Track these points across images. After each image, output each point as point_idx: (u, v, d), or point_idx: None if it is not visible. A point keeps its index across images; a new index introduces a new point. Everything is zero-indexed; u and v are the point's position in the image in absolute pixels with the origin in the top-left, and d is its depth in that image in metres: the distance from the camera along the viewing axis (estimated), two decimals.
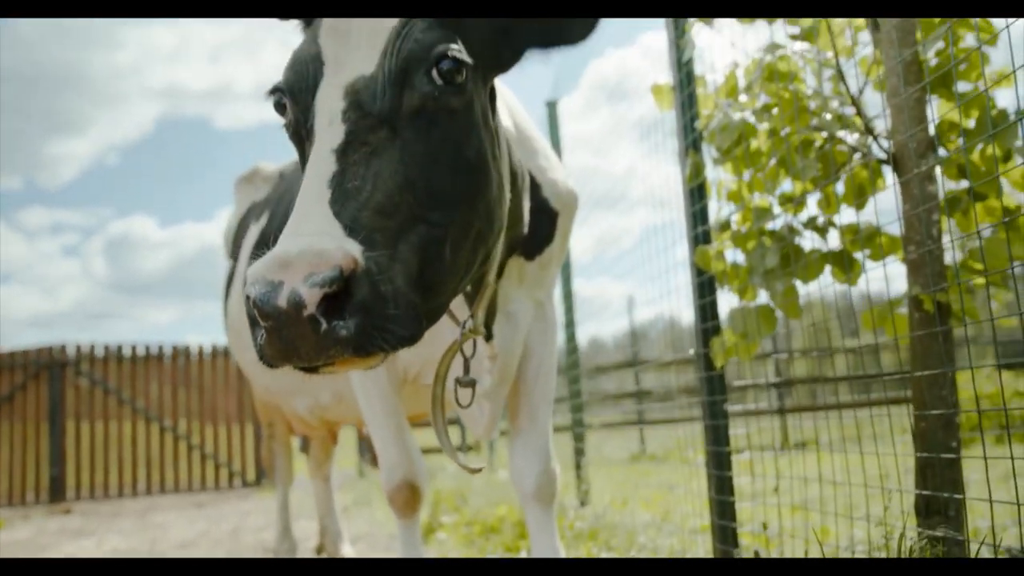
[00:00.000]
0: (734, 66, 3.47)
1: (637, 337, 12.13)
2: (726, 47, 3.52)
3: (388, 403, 2.96)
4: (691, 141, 3.56)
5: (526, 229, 2.51)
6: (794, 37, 3.17)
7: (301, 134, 1.74)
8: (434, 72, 1.67)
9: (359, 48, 1.68)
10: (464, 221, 1.71)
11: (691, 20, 3.51)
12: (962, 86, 3.08)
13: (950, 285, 2.69)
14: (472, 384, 2.34)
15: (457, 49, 1.69)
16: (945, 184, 3.03)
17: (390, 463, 3.00)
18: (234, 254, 4.29)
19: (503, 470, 9.28)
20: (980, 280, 2.82)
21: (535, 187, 2.72)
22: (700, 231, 3.50)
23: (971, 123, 3.04)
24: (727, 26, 3.37)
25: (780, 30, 3.24)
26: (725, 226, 3.33)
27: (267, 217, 3.77)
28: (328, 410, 3.90)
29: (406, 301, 1.46)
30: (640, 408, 12.25)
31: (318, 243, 1.37)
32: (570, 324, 6.89)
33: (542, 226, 2.74)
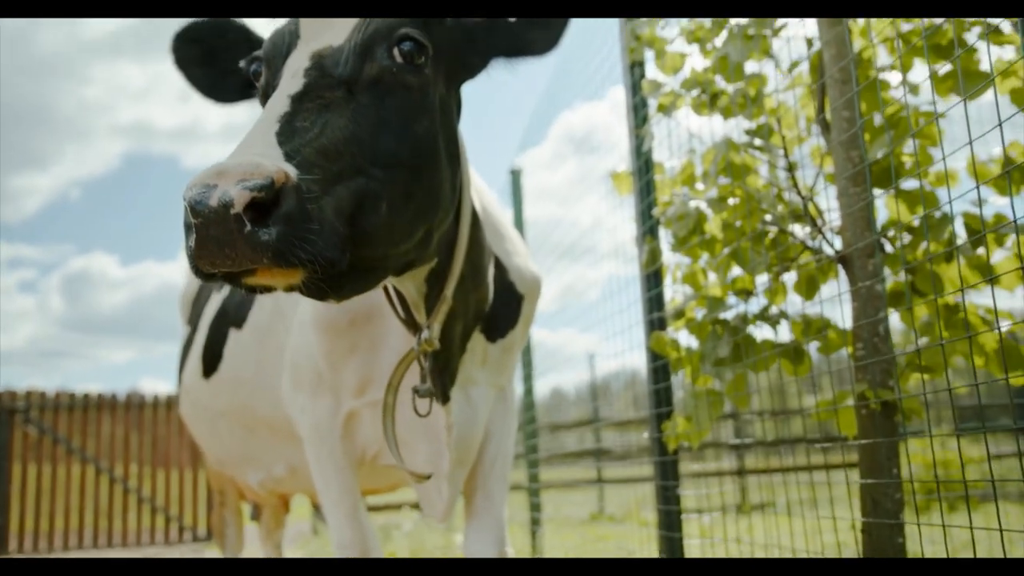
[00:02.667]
0: (691, 153, 3.57)
1: (598, 394, 12.15)
2: (684, 133, 3.62)
3: (345, 481, 2.94)
4: (648, 227, 3.63)
5: (491, 297, 2.60)
6: (749, 132, 3.27)
7: (269, 95, 1.86)
8: (395, 50, 1.83)
9: (332, 26, 1.85)
10: (404, 186, 1.79)
11: (651, 110, 3.61)
12: (909, 184, 3.21)
13: (896, 382, 2.77)
14: (430, 394, 2.37)
15: (418, 33, 1.86)
16: (890, 278, 3.14)
17: (343, 542, 2.97)
18: (192, 321, 4.25)
19: (459, 533, 9.19)
20: (924, 376, 2.90)
21: (501, 270, 2.77)
22: (655, 316, 3.57)
23: (916, 220, 3.16)
24: (686, 117, 3.47)
25: (735, 124, 3.34)
26: (680, 314, 3.39)
27: (229, 287, 3.77)
28: (281, 483, 3.86)
29: (331, 225, 1.53)
30: (599, 466, 12.23)
31: (256, 159, 1.46)
32: (528, 378, 6.91)
33: (507, 309, 2.80)
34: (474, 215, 2.40)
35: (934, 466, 2.23)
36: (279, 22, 2.17)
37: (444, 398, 2.53)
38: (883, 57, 3.34)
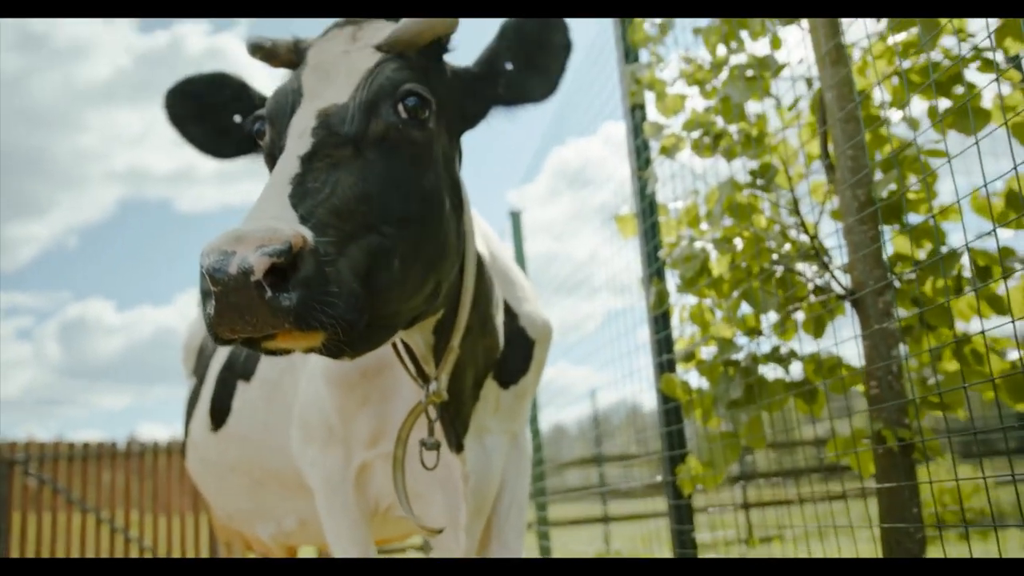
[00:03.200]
0: (695, 194, 3.57)
1: (601, 429, 12.05)
2: (687, 175, 3.63)
3: (357, 533, 2.90)
4: (655, 269, 3.63)
5: (501, 343, 2.58)
6: (753, 173, 3.28)
7: (274, 153, 1.86)
8: (400, 106, 1.84)
9: (334, 84, 1.86)
10: (414, 241, 1.80)
11: (653, 152, 3.63)
12: (915, 219, 3.22)
13: (911, 421, 2.75)
14: (437, 447, 2.34)
15: (422, 88, 1.87)
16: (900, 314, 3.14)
17: None
18: (198, 372, 4.21)
19: None
20: (939, 412, 2.89)
21: (512, 316, 2.76)
22: (665, 359, 3.55)
23: (922, 254, 3.16)
24: (689, 159, 3.49)
25: (739, 165, 3.35)
26: (690, 356, 3.38)
27: None
28: (292, 536, 3.81)
29: (349, 288, 1.53)
30: (605, 504, 12.10)
31: (273, 223, 1.46)
32: (533, 419, 6.87)
33: (518, 355, 2.78)
34: (479, 263, 2.40)
35: (961, 510, 2.20)
36: (280, 73, 2.18)
37: (458, 447, 2.51)
38: (881, 93, 3.36)
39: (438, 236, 1.94)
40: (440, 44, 2.08)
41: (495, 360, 2.63)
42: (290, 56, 2.11)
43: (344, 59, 1.96)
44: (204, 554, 13.89)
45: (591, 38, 4.76)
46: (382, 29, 2.06)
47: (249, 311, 1.43)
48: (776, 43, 3.32)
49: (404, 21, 1.97)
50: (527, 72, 2.14)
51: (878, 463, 2.78)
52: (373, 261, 1.65)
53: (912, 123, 3.10)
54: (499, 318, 2.59)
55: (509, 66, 2.16)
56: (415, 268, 1.83)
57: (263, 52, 2.14)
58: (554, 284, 6.51)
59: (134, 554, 13.59)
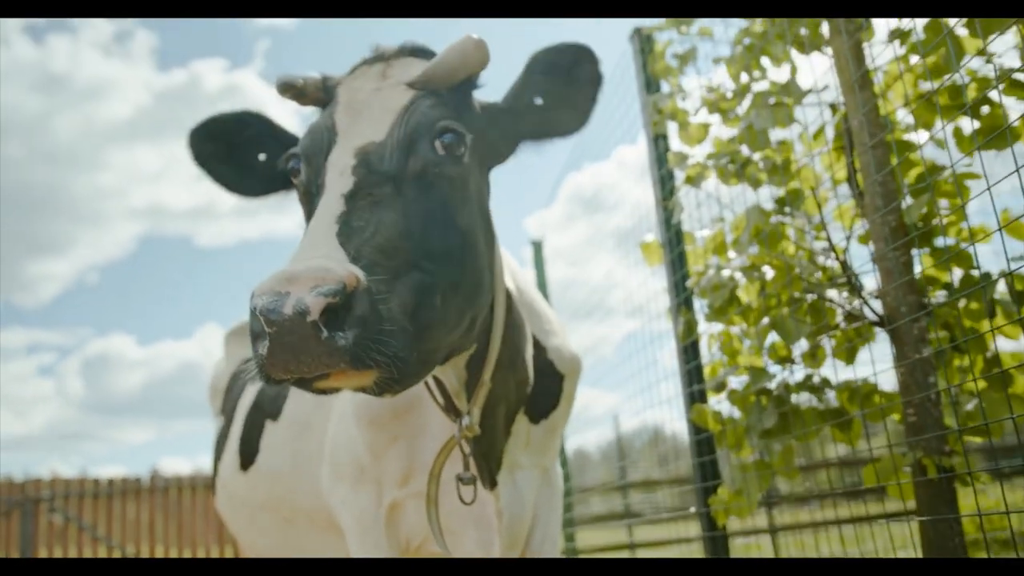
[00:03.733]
0: (721, 221, 3.55)
1: (625, 454, 11.94)
2: (712, 202, 3.61)
3: None
4: (682, 299, 3.61)
5: (531, 378, 2.56)
6: (779, 200, 3.26)
7: (311, 191, 1.88)
8: (437, 142, 1.85)
9: (369, 121, 1.87)
10: (453, 276, 1.80)
11: (678, 181, 3.62)
12: (944, 241, 3.18)
13: (952, 448, 2.70)
14: (473, 481, 2.32)
15: (458, 124, 1.89)
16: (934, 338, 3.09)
17: None
18: (226, 411, 4.21)
19: None
20: (980, 438, 2.84)
21: (540, 349, 2.75)
22: (695, 389, 3.51)
23: (953, 276, 3.12)
24: (715, 188, 3.47)
25: (764, 192, 3.33)
26: (721, 386, 3.34)
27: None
28: None
29: (401, 325, 1.54)
30: (631, 531, 11.97)
31: (325, 263, 1.46)
32: (559, 447, 6.81)
33: (548, 389, 2.76)
34: (508, 297, 2.39)
35: (1013, 543, 2.15)
36: (306, 110, 2.18)
37: (491, 483, 2.49)
38: (903, 115, 3.34)
39: (475, 271, 1.94)
40: (471, 80, 2.08)
41: (526, 395, 2.62)
42: (318, 94, 2.12)
43: (376, 96, 1.97)
44: None
45: (609, 66, 4.79)
46: (411, 66, 2.07)
47: (304, 351, 1.42)
48: (780, 60, 3.30)
49: (437, 59, 1.98)
50: (557, 106, 2.15)
51: (918, 492, 2.73)
52: (418, 298, 1.65)
53: (939, 143, 3.08)
54: (528, 352, 2.58)
55: (538, 101, 2.16)
56: (455, 303, 1.84)
57: (293, 91, 2.14)
58: (572, 308, 6.50)
59: None
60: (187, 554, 13.77)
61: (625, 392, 4.49)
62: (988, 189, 2.08)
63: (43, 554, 12.96)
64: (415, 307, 1.63)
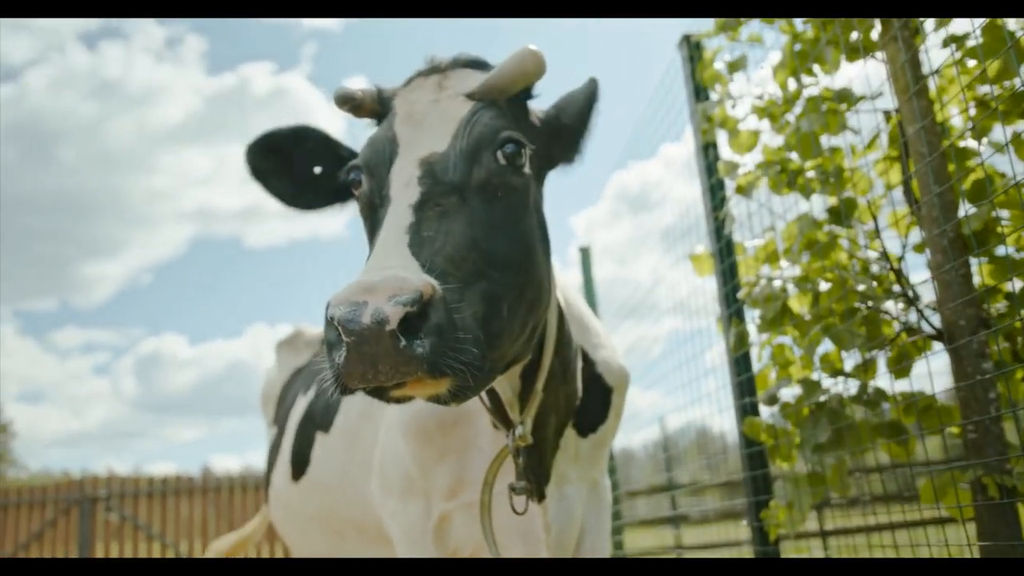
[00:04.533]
0: (771, 230, 3.50)
1: (671, 455, 11.84)
2: (763, 212, 3.56)
3: None
4: (734, 310, 3.56)
5: (580, 390, 2.56)
6: (831, 210, 3.20)
7: (374, 202, 1.90)
8: (499, 153, 1.87)
9: (430, 132, 1.89)
10: (518, 285, 1.82)
11: (728, 191, 3.57)
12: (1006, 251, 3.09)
13: (1013, 465, 2.63)
14: (526, 491, 2.32)
15: (520, 135, 1.91)
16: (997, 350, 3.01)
17: None
18: (278, 420, 4.27)
19: None
20: None
21: (588, 362, 2.74)
22: (747, 401, 3.47)
23: (1013, 286, 3.03)
24: (767, 198, 3.42)
25: (816, 201, 3.28)
26: (773, 399, 3.30)
27: (314, 390, 3.79)
28: None
29: (475, 333, 1.56)
30: (678, 530, 11.90)
31: (401, 272, 1.48)
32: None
33: (596, 402, 2.75)
34: (559, 308, 2.39)
35: None
36: (360, 121, 2.20)
37: (540, 496, 2.49)
38: (960, 121, 3.26)
39: (537, 279, 1.96)
40: (527, 91, 2.11)
41: (575, 408, 2.61)
42: (374, 106, 2.14)
43: (435, 108, 1.98)
44: None
45: (658, 73, 4.74)
46: (467, 77, 2.09)
47: (382, 360, 1.43)
48: (832, 65, 3.22)
49: (496, 70, 1.99)
50: (575, 134, 2.18)
51: (978, 513, 2.66)
52: (487, 307, 1.67)
53: (999, 148, 3.00)
54: (578, 364, 2.58)
55: (577, 124, 2.19)
56: (520, 312, 1.86)
57: (351, 104, 2.16)
58: (616, 307, 6.46)
59: None
60: (238, 551, 14.00)
61: (671, 391, 4.44)
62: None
63: (100, 551, 13.28)
64: (485, 316, 1.65)
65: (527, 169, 1.95)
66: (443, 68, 2.14)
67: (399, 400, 1.59)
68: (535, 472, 2.44)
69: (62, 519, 13.33)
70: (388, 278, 1.46)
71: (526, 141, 1.93)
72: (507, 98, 2.03)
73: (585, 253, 6.67)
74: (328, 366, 1.52)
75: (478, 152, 1.86)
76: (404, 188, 1.79)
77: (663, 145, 5.12)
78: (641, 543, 11.39)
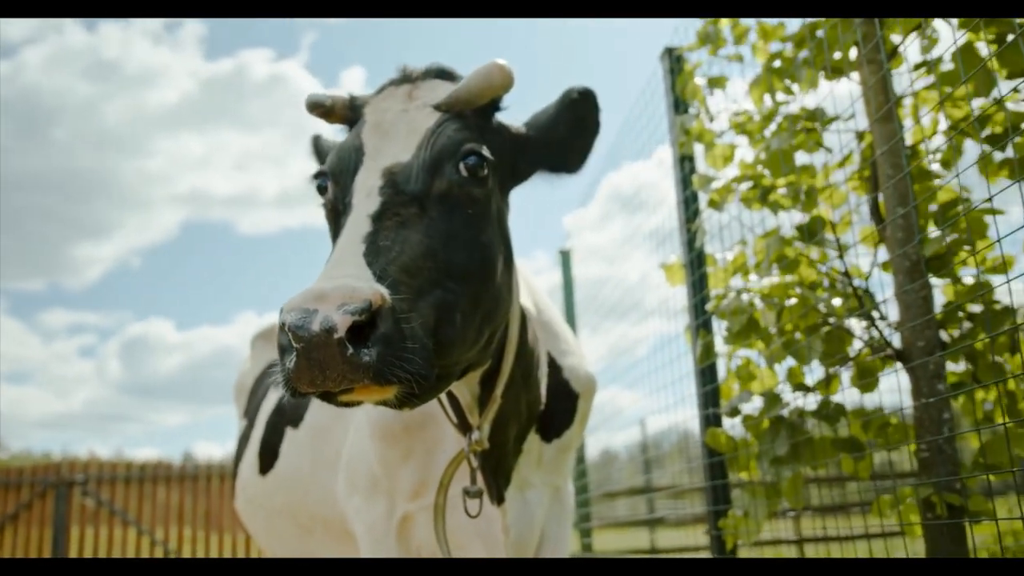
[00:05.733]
0: (743, 244, 3.55)
1: (650, 456, 11.86)
2: (735, 225, 3.61)
3: None
4: (701, 321, 3.61)
5: (543, 397, 2.60)
6: (800, 228, 3.25)
7: (338, 209, 1.95)
8: (461, 165, 1.90)
9: (396, 141, 1.93)
10: (474, 295, 1.86)
11: (702, 204, 3.62)
12: (967, 273, 3.15)
13: (962, 486, 2.69)
14: (480, 494, 2.37)
15: (483, 148, 1.94)
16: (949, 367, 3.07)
17: None
18: (248, 414, 4.29)
19: None
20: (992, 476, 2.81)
21: (556, 368, 2.78)
22: (711, 412, 3.52)
23: (976, 308, 3.09)
24: (739, 212, 3.46)
25: (787, 217, 3.33)
26: (735, 411, 3.35)
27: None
28: None
29: (422, 343, 1.59)
30: (652, 534, 11.94)
31: (352, 282, 1.52)
32: (579, 447, 6.84)
33: (562, 408, 2.79)
34: (522, 315, 2.43)
35: None
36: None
37: (499, 499, 2.53)
38: (932, 144, 3.31)
39: (494, 290, 2.00)
40: (495, 103, 2.14)
41: (537, 414, 2.65)
42: (346, 112, 2.18)
43: (403, 117, 2.02)
44: None
45: (639, 85, 4.78)
46: (437, 88, 2.12)
47: (330, 367, 1.47)
48: (808, 84, 3.27)
49: (463, 82, 2.03)
50: (570, 144, 2.23)
51: (926, 530, 2.72)
52: (439, 316, 1.71)
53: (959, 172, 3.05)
54: (542, 371, 2.62)
55: (559, 135, 2.22)
56: (474, 321, 1.89)
57: (321, 110, 2.20)
58: (605, 308, 6.50)
59: None
60: (214, 538, 13.99)
61: (655, 394, 4.46)
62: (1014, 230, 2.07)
63: (75, 535, 13.24)
64: (436, 325, 1.69)
65: (489, 182, 1.98)
66: (414, 78, 2.17)
67: (347, 404, 1.63)
68: (494, 475, 2.48)
69: (38, 502, 13.28)
70: (338, 287, 1.49)
71: (488, 154, 1.96)
72: (474, 110, 2.07)
73: (565, 256, 6.72)
74: (280, 369, 1.55)
75: (440, 163, 1.90)
76: (365, 198, 1.83)
77: (651, 149, 5.14)
78: (616, 544, 11.43)
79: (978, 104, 3.02)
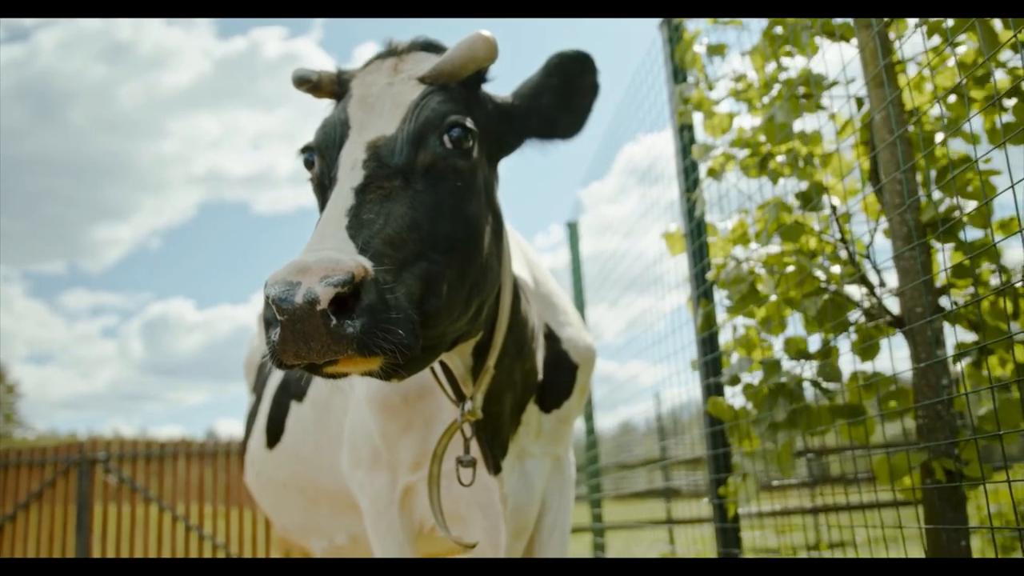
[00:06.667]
0: (743, 213, 3.53)
1: (666, 431, 11.87)
2: (735, 193, 3.59)
3: (403, 553, 2.97)
4: (702, 291, 3.60)
5: (540, 367, 2.61)
6: (800, 195, 3.23)
7: (324, 183, 1.96)
8: (445, 137, 1.91)
9: (381, 115, 1.94)
10: (460, 266, 1.88)
11: (702, 173, 3.60)
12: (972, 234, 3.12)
13: (961, 451, 2.69)
14: (473, 464, 2.40)
15: (466, 120, 1.94)
16: (957, 334, 3.05)
17: None
18: (257, 390, 4.34)
19: None
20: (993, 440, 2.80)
21: (554, 339, 2.79)
22: (712, 381, 3.52)
23: (979, 273, 3.07)
24: (737, 179, 3.45)
25: (786, 184, 3.31)
26: (735, 380, 3.34)
27: None
28: (343, 551, 3.90)
29: (406, 314, 1.61)
30: (669, 504, 11.99)
31: (334, 254, 1.53)
32: (589, 417, 6.88)
33: (561, 379, 2.81)
34: (515, 287, 2.44)
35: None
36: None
37: (495, 469, 2.56)
38: (940, 109, 3.27)
39: (481, 261, 2.02)
40: (480, 75, 2.14)
41: (535, 385, 2.67)
42: (333, 87, 2.19)
43: (388, 91, 2.02)
44: (274, 549, 14.22)
45: (639, 54, 4.74)
46: (423, 60, 2.13)
47: (314, 338, 1.49)
48: (809, 49, 3.23)
49: (446, 54, 2.03)
50: (559, 110, 2.22)
51: (925, 495, 2.72)
52: (425, 287, 1.73)
53: (967, 138, 3.02)
54: (537, 342, 2.63)
55: (544, 101, 2.22)
56: (461, 292, 1.91)
57: (309, 85, 2.22)
58: (624, 282, 6.46)
59: (208, 550, 14.00)
60: (234, 513, 14.15)
61: (659, 364, 4.44)
62: (1011, 187, 2.05)
63: (98, 512, 13.44)
64: (421, 296, 1.71)
65: (475, 153, 1.99)
66: (400, 51, 2.17)
67: (333, 376, 1.66)
68: (490, 445, 2.51)
69: (61, 480, 13.48)
70: (321, 259, 1.51)
71: (473, 126, 1.96)
72: (459, 82, 2.07)
73: (572, 229, 6.71)
74: (265, 342, 1.57)
75: (424, 136, 1.91)
76: (350, 171, 1.84)
77: (653, 120, 5.08)
78: (632, 516, 11.49)
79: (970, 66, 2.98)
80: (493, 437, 2.52)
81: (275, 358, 1.57)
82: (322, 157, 2.00)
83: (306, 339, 1.49)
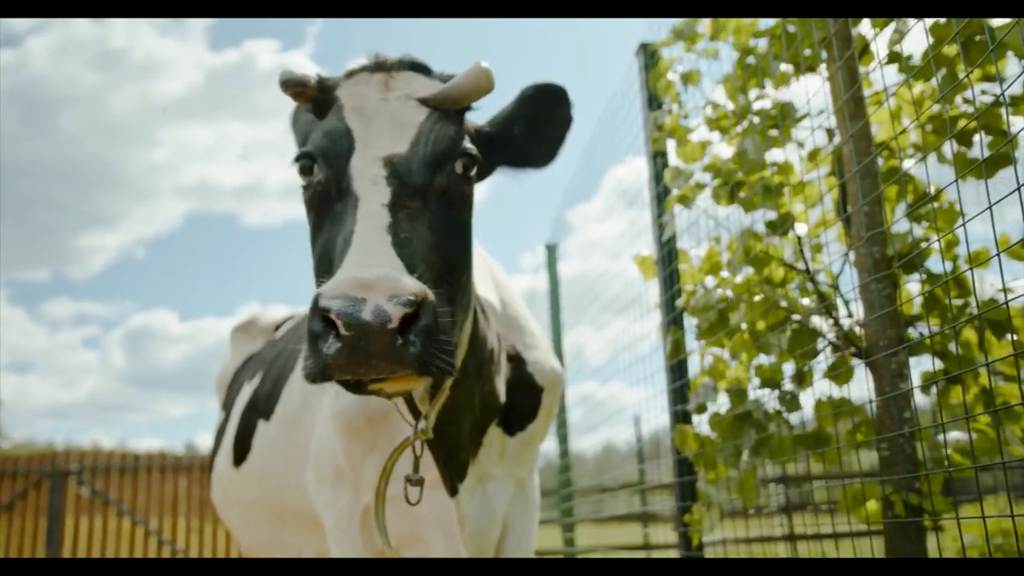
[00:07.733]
0: (715, 241, 3.55)
1: (645, 455, 11.84)
2: (708, 221, 3.61)
3: None
4: (672, 318, 3.62)
5: (502, 390, 2.61)
6: (770, 224, 3.25)
7: (330, 193, 1.94)
8: (458, 163, 1.97)
9: (382, 131, 1.95)
10: (463, 287, 1.97)
11: (671, 199, 3.61)
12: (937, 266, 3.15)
13: (921, 485, 2.69)
14: (421, 482, 2.36)
15: (474, 149, 2.02)
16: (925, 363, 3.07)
17: None
18: (227, 406, 4.31)
19: None
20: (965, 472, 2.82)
21: (520, 362, 2.79)
22: (679, 409, 3.53)
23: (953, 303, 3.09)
24: (711, 207, 3.47)
25: (758, 214, 3.33)
26: (702, 408, 3.35)
27: (259, 378, 3.83)
28: None
29: (450, 336, 1.66)
30: (646, 529, 11.96)
31: (393, 272, 1.56)
32: (563, 439, 6.86)
33: (526, 401, 2.81)
34: (478, 309, 2.45)
35: None
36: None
37: (452, 491, 2.55)
38: (897, 143, 3.31)
39: (471, 284, 2.10)
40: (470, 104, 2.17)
41: (496, 407, 2.66)
42: (314, 93, 2.17)
43: (385, 107, 2.02)
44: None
45: (615, 81, 4.77)
46: (414, 81, 2.13)
47: (379, 356, 1.49)
48: (781, 80, 3.26)
49: (453, 82, 2.06)
50: (532, 140, 2.28)
51: (886, 529, 2.73)
52: (448, 309, 1.78)
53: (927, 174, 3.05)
54: (499, 365, 2.63)
55: (517, 131, 2.26)
56: (459, 313, 1.99)
57: (296, 88, 2.18)
58: (607, 303, 6.46)
59: None
60: (208, 528, 14.01)
61: (655, 390, 4.43)
62: (963, 224, 2.07)
63: (70, 524, 13.27)
64: (450, 318, 1.78)
65: (474, 180, 2.07)
66: (388, 67, 2.16)
67: (375, 392, 1.64)
68: (447, 465, 2.50)
69: (33, 492, 13.30)
70: (382, 277, 1.53)
71: (478, 153, 2.03)
72: (457, 109, 2.10)
73: (551, 250, 6.72)
74: (309, 355, 1.55)
75: (440, 161, 1.95)
76: (372, 186, 1.84)
77: (628, 145, 5.11)
78: (608, 540, 11.44)
79: (936, 108, 3.02)
80: (450, 458, 2.52)
81: (324, 372, 1.54)
82: (329, 165, 1.97)
83: (368, 355, 1.49)
